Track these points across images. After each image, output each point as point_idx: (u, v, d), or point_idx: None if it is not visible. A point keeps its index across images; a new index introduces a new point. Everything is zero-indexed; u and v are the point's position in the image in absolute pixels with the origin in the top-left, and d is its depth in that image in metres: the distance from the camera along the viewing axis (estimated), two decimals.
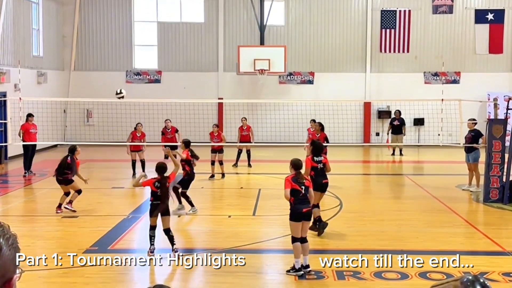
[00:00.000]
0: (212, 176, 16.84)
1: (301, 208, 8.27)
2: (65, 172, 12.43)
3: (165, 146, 18.07)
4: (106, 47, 26.84)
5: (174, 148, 17.91)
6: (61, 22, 26.25)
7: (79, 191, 12.59)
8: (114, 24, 26.80)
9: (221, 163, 17.05)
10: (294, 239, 8.36)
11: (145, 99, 22.26)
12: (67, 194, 12.49)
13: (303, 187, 8.36)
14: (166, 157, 17.85)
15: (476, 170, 15.03)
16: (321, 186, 10.69)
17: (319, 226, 10.66)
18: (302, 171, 8.89)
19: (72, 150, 12.74)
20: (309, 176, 10.71)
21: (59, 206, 12.37)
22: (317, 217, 10.68)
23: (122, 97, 15.83)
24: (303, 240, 8.40)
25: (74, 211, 12.31)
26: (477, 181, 15.00)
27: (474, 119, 15.74)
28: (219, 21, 26.67)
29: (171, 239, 9.18)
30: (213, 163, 16.91)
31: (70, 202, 12.47)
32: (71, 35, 26.54)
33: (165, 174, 9.42)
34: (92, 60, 26.91)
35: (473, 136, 15.02)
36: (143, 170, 16.49)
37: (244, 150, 19.21)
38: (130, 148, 17.24)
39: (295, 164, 8.52)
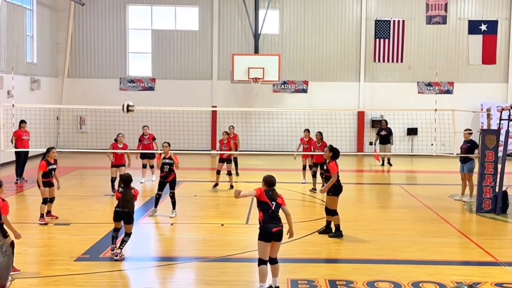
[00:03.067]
0: (216, 185, 16.72)
1: (271, 228, 7.63)
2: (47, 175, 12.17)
3: (141, 155, 17.73)
4: (100, 54, 26.82)
5: (150, 156, 17.65)
6: (55, 29, 26.23)
7: (51, 199, 12.26)
8: (109, 32, 26.79)
9: (229, 173, 16.89)
10: (260, 261, 7.74)
11: (139, 107, 22.13)
12: (45, 201, 12.15)
13: (274, 203, 7.78)
14: (144, 166, 17.77)
15: (470, 180, 15.05)
16: (341, 190, 11.15)
17: (335, 234, 11.03)
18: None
19: (46, 151, 12.38)
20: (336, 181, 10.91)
21: (42, 216, 12.08)
22: (337, 225, 11.08)
23: (130, 110, 15.02)
24: (273, 261, 7.81)
25: (47, 223, 11.96)
26: (470, 191, 15.02)
27: (470, 130, 15.76)
28: (213, 29, 26.72)
29: (122, 242, 9.49)
30: (218, 172, 16.76)
31: (42, 216, 12.06)
32: (65, 42, 26.51)
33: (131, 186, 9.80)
34: (86, 67, 26.87)
35: (469, 147, 15.05)
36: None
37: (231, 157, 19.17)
38: (112, 163, 16.03)
39: (267, 181, 7.98)
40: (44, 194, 12.16)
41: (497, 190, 13.61)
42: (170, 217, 12.69)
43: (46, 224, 11.96)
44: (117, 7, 26.75)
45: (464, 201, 15.00)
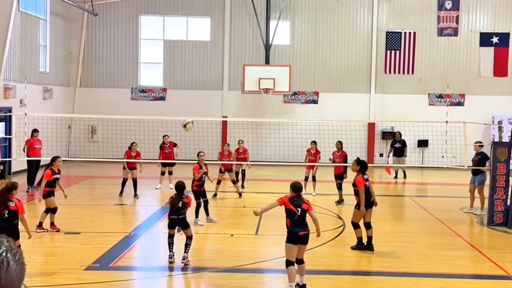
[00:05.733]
0: (215, 194, 16.84)
1: (298, 231, 8.13)
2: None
3: (162, 164, 18.11)
4: (112, 64, 27.00)
5: (171, 164, 18.06)
6: (68, 38, 26.44)
7: (53, 210, 12.11)
8: (121, 42, 26.97)
9: (234, 182, 17.12)
10: (288, 263, 8.21)
11: (150, 116, 22.32)
12: (47, 210, 12.15)
13: (300, 209, 8.21)
14: (162, 173, 18.14)
15: (481, 193, 14.95)
16: (369, 204, 10.95)
17: (362, 247, 10.82)
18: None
19: (51, 160, 12.37)
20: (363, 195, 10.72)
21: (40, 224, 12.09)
22: (359, 237, 10.91)
23: (187, 125, 15.72)
24: (300, 261, 8.29)
25: (58, 230, 12.01)
26: (481, 204, 14.91)
27: (480, 142, 15.69)
28: (224, 40, 26.82)
29: (186, 246, 9.65)
30: (219, 182, 16.92)
31: (52, 223, 12.08)
32: (77, 51, 26.71)
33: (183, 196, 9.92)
34: (98, 77, 27.04)
35: (480, 159, 14.98)
36: (135, 189, 16.54)
37: (239, 170, 19.22)
38: (125, 166, 16.85)
39: (295, 187, 8.43)
40: (48, 203, 12.14)
41: (508, 203, 13.52)
42: (214, 221, 13.31)
43: (46, 231, 11.95)
44: (129, 18, 26.94)
45: (475, 214, 14.91)
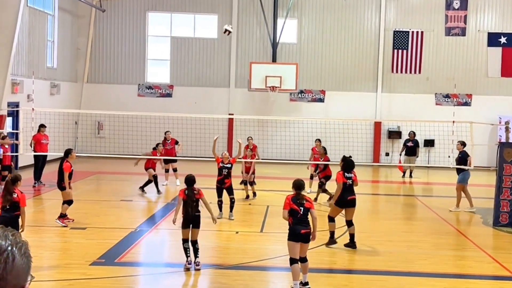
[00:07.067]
0: (248, 196, 16.68)
1: (299, 229, 8.14)
2: (60, 178, 12.35)
3: (164, 160, 18.00)
4: (119, 60, 27.05)
5: (173, 161, 18.06)
6: (75, 34, 26.51)
7: (68, 202, 12.31)
8: (128, 38, 27.01)
9: (251, 183, 16.88)
10: (292, 261, 8.20)
11: (156, 113, 22.36)
12: (70, 202, 12.35)
13: (302, 208, 8.21)
14: (166, 170, 18.12)
15: (464, 190, 15.25)
16: (345, 202, 10.90)
17: (329, 242, 10.81)
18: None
19: (66, 153, 12.52)
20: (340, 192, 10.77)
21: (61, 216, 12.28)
22: (331, 231, 10.89)
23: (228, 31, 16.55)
24: (303, 259, 8.30)
25: (65, 226, 12.05)
26: (457, 201, 15.25)
27: (463, 141, 15.90)
28: (232, 37, 26.81)
29: (195, 251, 9.24)
30: (245, 183, 16.77)
31: (60, 216, 12.19)
32: (85, 47, 26.78)
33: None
34: (105, 73, 27.10)
35: (460, 158, 15.38)
36: (146, 185, 16.56)
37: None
38: (147, 166, 16.66)
39: (296, 185, 8.44)
40: (69, 195, 12.30)
41: None
42: (231, 219, 13.26)
43: (66, 226, 12.04)
44: (137, 14, 26.98)
45: (450, 210, 15.19)
